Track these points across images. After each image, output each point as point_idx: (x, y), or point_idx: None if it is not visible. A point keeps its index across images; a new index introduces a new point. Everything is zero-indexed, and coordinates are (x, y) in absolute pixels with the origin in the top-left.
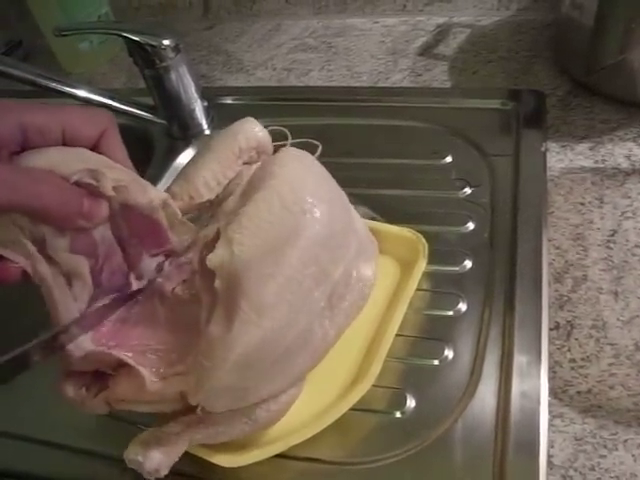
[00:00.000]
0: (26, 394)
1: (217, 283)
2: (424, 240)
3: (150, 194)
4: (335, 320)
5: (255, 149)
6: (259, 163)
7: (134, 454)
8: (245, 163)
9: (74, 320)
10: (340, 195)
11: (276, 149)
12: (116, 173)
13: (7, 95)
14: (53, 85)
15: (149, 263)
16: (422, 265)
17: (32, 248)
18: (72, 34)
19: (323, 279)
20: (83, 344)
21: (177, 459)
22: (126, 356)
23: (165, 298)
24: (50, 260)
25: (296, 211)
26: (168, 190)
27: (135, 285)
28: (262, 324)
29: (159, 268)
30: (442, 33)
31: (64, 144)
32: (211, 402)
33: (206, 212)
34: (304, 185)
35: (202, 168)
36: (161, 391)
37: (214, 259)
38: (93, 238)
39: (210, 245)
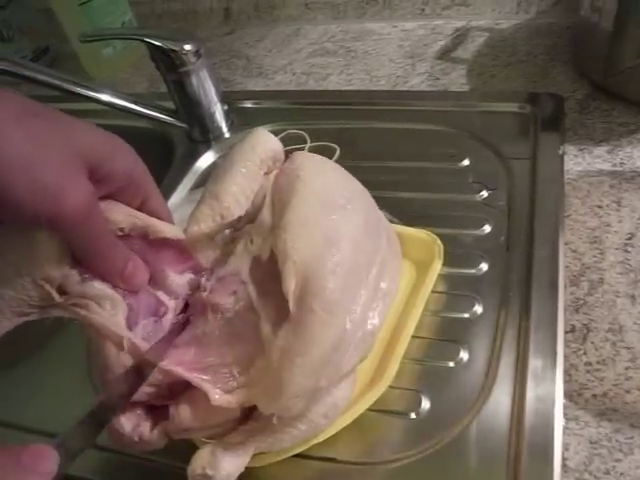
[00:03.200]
0: (38, 387)
1: (289, 295)
2: (439, 241)
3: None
4: (378, 310)
5: (272, 158)
6: (276, 171)
7: (201, 468)
8: (265, 173)
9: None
10: (360, 186)
11: (287, 154)
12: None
13: (37, 99)
14: (78, 90)
15: (178, 279)
16: (438, 266)
17: (56, 296)
18: (96, 40)
19: (370, 269)
20: None
21: (243, 469)
22: (188, 375)
23: (218, 310)
24: (70, 296)
25: (336, 206)
26: (197, 211)
27: (171, 304)
28: (335, 321)
29: (194, 284)
30: (460, 37)
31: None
32: (288, 409)
33: (234, 226)
34: (333, 181)
35: (229, 184)
36: (226, 407)
37: (287, 286)
38: None
39: (265, 263)
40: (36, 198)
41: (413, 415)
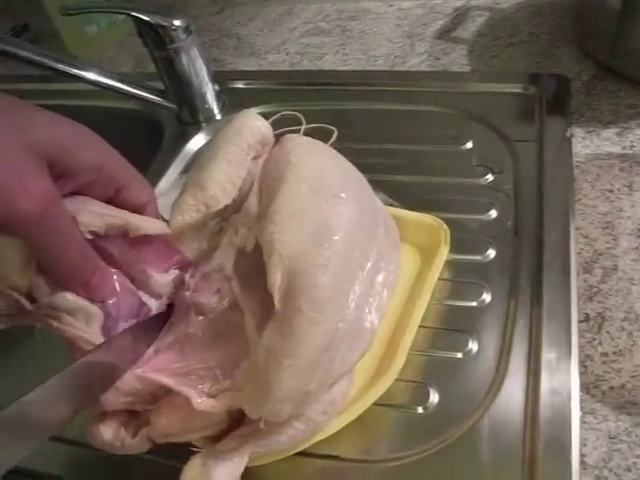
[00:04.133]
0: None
1: (275, 291)
2: (446, 226)
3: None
4: (376, 305)
5: (260, 142)
6: (265, 156)
7: (193, 479)
8: (252, 158)
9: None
10: (356, 172)
11: (277, 138)
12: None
13: (19, 80)
14: (61, 67)
15: (161, 278)
16: (444, 253)
17: (26, 303)
18: (80, 13)
19: (365, 260)
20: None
21: (239, 477)
22: (168, 381)
23: (202, 311)
24: (39, 305)
25: (329, 194)
26: (181, 201)
27: (154, 305)
28: (323, 320)
29: (178, 281)
30: (460, 16)
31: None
32: (275, 413)
33: (221, 215)
34: (325, 168)
35: (214, 172)
36: (210, 411)
37: (272, 282)
38: None
39: (249, 255)
40: None
41: (420, 410)
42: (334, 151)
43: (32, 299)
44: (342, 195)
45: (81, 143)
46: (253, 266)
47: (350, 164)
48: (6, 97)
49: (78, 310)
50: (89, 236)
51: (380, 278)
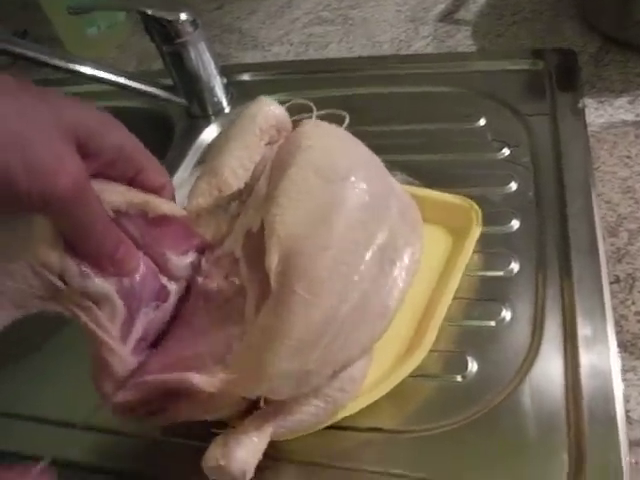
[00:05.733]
0: (44, 374)
1: (271, 271)
2: (477, 207)
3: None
4: (391, 286)
5: (275, 127)
6: (281, 141)
7: (214, 460)
8: (267, 144)
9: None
10: (373, 157)
11: (296, 123)
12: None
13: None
14: (70, 66)
15: (179, 261)
16: (476, 234)
17: (59, 282)
18: (86, 11)
19: (371, 244)
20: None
21: (261, 457)
22: (170, 377)
23: (210, 298)
24: (72, 290)
25: (333, 179)
26: (195, 187)
27: (173, 288)
28: (319, 303)
29: (195, 265)
30: None
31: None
32: (274, 391)
33: (237, 199)
34: (335, 152)
35: (227, 157)
36: (210, 389)
37: (269, 262)
38: None
39: (255, 235)
40: (32, 178)
41: (459, 378)
42: (349, 135)
43: (64, 282)
44: (351, 178)
45: (104, 126)
46: (258, 246)
47: (365, 147)
48: (31, 83)
49: (106, 299)
50: (112, 214)
51: (396, 261)
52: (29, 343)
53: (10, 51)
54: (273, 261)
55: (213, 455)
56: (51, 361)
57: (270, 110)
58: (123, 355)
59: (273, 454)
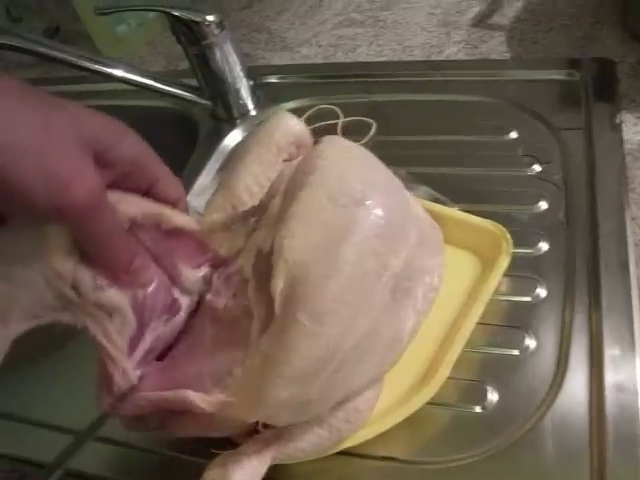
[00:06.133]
0: (54, 381)
1: (276, 296)
2: (508, 235)
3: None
4: (404, 317)
5: (294, 144)
6: (300, 158)
7: None
8: (285, 160)
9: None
10: (393, 180)
11: (317, 139)
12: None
13: (54, 82)
14: (96, 67)
15: (192, 274)
16: (505, 263)
17: (71, 292)
18: (114, 12)
19: (383, 273)
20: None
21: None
22: (171, 394)
23: (217, 317)
24: (85, 301)
25: (346, 203)
26: (211, 201)
27: (185, 301)
28: (322, 333)
29: (207, 279)
30: (497, 2)
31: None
32: (272, 418)
33: (252, 216)
34: (351, 174)
35: (242, 173)
36: (204, 408)
37: (274, 286)
38: None
39: (265, 256)
40: (48, 187)
41: (478, 409)
42: (369, 155)
43: (78, 293)
44: (367, 202)
45: (119, 137)
46: (267, 268)
47: (385, 169)
48: (49, 93)
49: (117, 311)
50: (126, 224)
51: (410, 291)
52: (46, 346)
53: (36, 51)
54: (278, 286)
55: (211, 476)
56: (70, 365)
57: (289, 126)
58: (126, 368)
59: (274, 478)
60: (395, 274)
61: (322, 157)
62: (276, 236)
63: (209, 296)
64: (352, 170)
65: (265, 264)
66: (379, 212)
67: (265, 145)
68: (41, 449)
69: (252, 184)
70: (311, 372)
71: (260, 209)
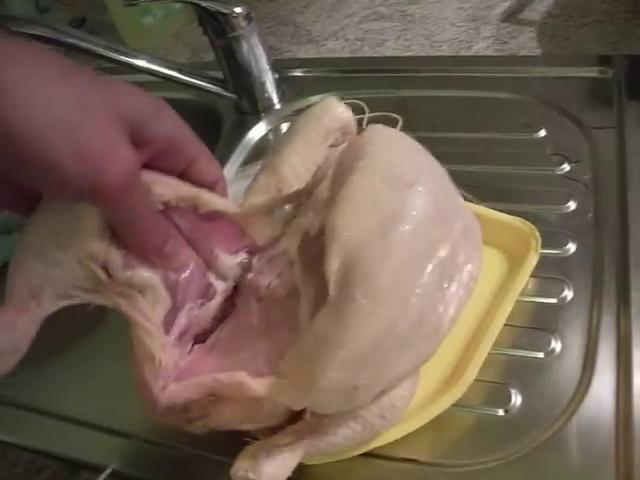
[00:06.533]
0: (85, 378)
1: (330, 276)
2: (537, 233)
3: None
4: (447, 303)
5: (340, 130)
6: (345, 144)
7: (243, 470)
8: (331, 146)
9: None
10: (440, 169)
11: (361, 128)
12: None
13: None
14: (121, 58)
15: (229, 260)
16: (534, 261)
17: (102, 274)
18: (141, 3)
19: (433, 257)
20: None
21: (290, 474)
22: (220, 377)
23: (261, 296)
24: (116, 282)
25: (400, 186)
26: (254, 183)
27: (220, 286)
28: (379, 313)
29: (245, 265)
30: None
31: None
32: (320, 405)
33: (295, 201)
34: (403, 159)
35: (289, 155)
36: (256, 393)
37: (329, 266)
38: None
39: (313, 239)
40: (82, 165)
41: (501, 412)
42: (416, 144)
43: (108, 274)
44: (418, 188)
45: (157, 114)
46: (316, 251)
47: (432, 158)
48: (87, 68)
49: (150, 288)
50: (161, 207)
51: (455, 278)
52: (69, 339)
53: (63, 41)
54: (334, 266)
55: (242, 466)
56: (91, 359)
57: (338, 112)
58: (165, 342)
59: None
60: (443, 259)
61: (370, 143)
62: (327, 218)
63: (250, 275)
64: (401, 156)
65: (313, 247)
66: (431, 197)
67: (313, 128)
68: (59, 441)
69: (299, 166)
70: (364, 355)
71: (305, 193)
